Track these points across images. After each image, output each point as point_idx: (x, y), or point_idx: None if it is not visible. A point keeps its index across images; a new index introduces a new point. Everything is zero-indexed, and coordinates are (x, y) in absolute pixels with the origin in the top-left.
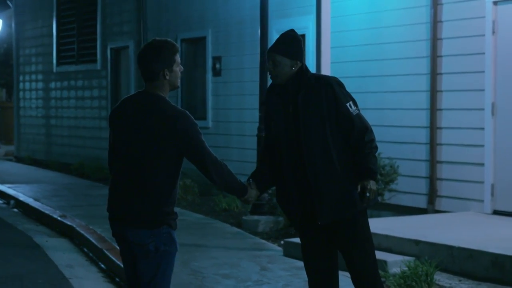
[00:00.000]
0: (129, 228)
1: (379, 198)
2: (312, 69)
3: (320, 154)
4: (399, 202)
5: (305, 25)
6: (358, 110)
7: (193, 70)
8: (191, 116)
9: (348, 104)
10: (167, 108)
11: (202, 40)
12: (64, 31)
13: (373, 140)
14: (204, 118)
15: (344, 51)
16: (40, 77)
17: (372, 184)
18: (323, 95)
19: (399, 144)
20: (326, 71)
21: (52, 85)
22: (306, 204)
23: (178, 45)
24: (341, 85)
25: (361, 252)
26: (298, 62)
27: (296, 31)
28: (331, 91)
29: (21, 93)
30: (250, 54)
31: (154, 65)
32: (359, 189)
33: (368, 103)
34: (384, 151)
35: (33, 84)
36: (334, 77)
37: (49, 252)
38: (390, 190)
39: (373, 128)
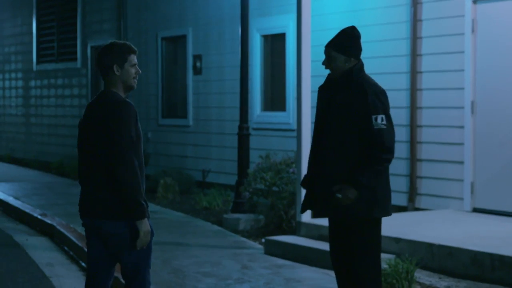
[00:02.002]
0: (103, 219)
1: None
2: (293, 67)
3: (334, 155)
4: None
5: (285, 24)
6: (386, 125)
7: (174, 68)
8: (131, 108)
9: (374, 117)
10: (110, 99)
11: (182, 39)
12: (44, 29)
13: (381, 158)
14: (184, 116)
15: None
16: (19, 75)
17: (350, 192)
18: (359, 101)
19: None
20: (306, 69)
21: (32, 83)
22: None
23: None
24: (377, 95)
25: (354, 256)
26: (352, 59)
27: (277, 29)
28: (364, 99)
29: (0, 92)
30: (231, 53)
31: (105, 60)
32: (335, 188)
33: None
34: None
35: (13, 82)
36: (376, 86)
37: (29, 251)
38: None
39: None
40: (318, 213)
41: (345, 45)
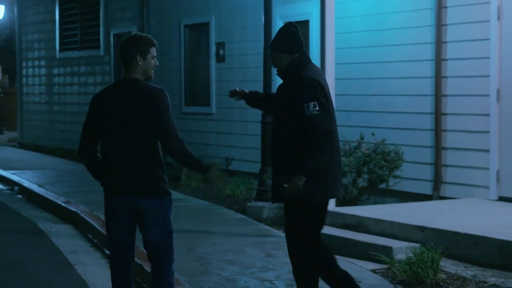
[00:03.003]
0: (141, 199)
1: (384, 185)
2: (317, 55)
3: (280, 142)
4: (403, 188)
5: (309, 11)
6: (318, 112)
7: (196, 56)
8: (167, 94)
9: (306, 105)
10: (144, 86)
11: (205, 26)
12: (67, 16)
13: (317, 141)
14: (207, 104)
15: (348, 37)
16: (43, 63)
17: (296, 179)
18: (291, 93)
19: (403, 130)
20: (330, 56)
21: (55, 71)
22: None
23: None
24: (308, 86)
25: (288, 235)
26: (296, 55)
27: (300, 17)
28: (296, 91)
29: (24, 79)
30: (254, 40)
31: (129, 50)
32: (282, 180)
33: (372, 89)
34: (389, 137)
35: (36, 70)
36: (308, 76)
37: (53, 238)
38: (395, 177)
39: (377, 114)
40: (274, 199)
41: (285, 44)
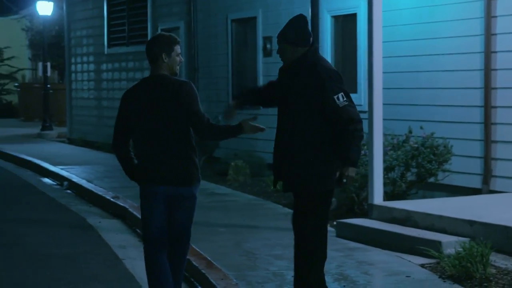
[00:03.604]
0: (179, 187)
1: (433, 179)
2: (364, 48)
3: (295, 133)
4: (452, 182)
5: (356, 4)
6: (347, 102)
7: (243, 50)
8: (193, 85)
9: (335, 97)
10: (172, 81)
11: (252, 20)
12: (115, 12)
13: (356, 130)
14: None
15: (396, 30)
16: (91, 58)
17: (350, 171)
18: (312, 84)
19: (452, 123)
20: (378, 50)
21: (103, 66)
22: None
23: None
24: (333, 78)
25: (299, 225)
26: (299, 48)
27: (347, 10)
28: (321, 83)
29: (72, 75)
30: None
31: (155, 49)
32: (337, 175)
33: (420, 82)
34: (437, 131)
35: (85, 66)
36: (329, 69)
37: (102, 233)
38: (444, 170)
39: (425, 107)
40: (286, 189)
41: (291, 36)
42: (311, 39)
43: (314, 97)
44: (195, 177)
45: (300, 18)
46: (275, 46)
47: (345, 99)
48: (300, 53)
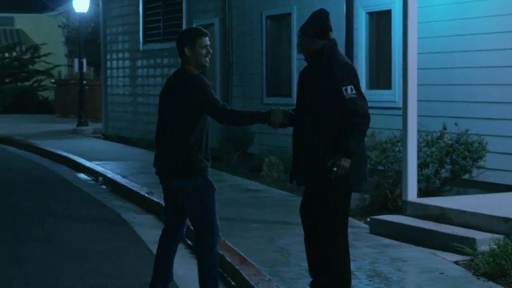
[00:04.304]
0: (172, 179)
1: (467, 175)
2: (399, 44)
3: (308, 125)
4: (487, 179)
5: (391, 1)
6: (355, 95)
7: (278, 47)
8: (204, 78)
9: (344, 88)
10: (186, 74)
11: (287, 17)
12: (150, 9)
13: (360, 123)
14: (289, 95)
15: (431, 26)
16: (126, 55)
17: (344, 161)
18: (326, 77)
19: (487, 120)
20: (412, 46)
21: (139, 63)
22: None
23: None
24: (344, 69)
25: (313, 223)
26: (318, 40)
27: (382, 6)
28: (332, 75)
29: (108, 72)
30: (336, 30)
31: (179, 43)
32: (329, 163)
33: (455, 79)
34: (472, 128)
35: (120, 62)
36: (342, 61)
37: (137, 229)
38: (478, 167)
39: (459, 104)
40: (300, 183)
41: (310, 29)
42: (331, 33)
43: (326, 88)
44: (187, 171)
45: (321, 11)
46: None
47: (353, 92)
48: (319, 46)
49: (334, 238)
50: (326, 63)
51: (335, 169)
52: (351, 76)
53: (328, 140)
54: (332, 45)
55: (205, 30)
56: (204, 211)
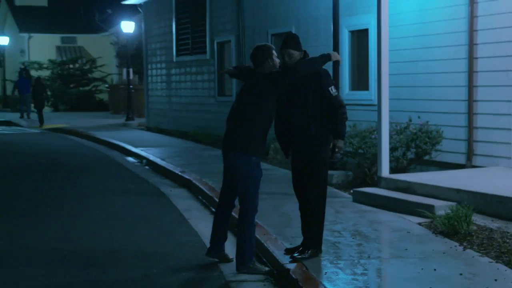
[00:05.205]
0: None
1: (428, 157)
2: (374, 56)
3: (301, 118)
4: (443, 159)
5: (368, 21)
6: (337, 92)
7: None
8: (270, 75)
9: (330, 88)
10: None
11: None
12: (181, 29)
13: (344, 113)
14: None
15: (399, 41)
16: (163, 65)
17: (339, 143)
18: (313, 79)
19: (443, 114)
20: (385, 56)
21: (173, 71)
22: (293, 145)
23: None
24: (327, 74)
25: (313, 183)
26: (301, 52)
27: (361, 26)
28: (319, 78)
29: (149, 78)
30: (325, 45)
31: (260, 56)
32: (331, 145)
33: (418, 82)
34: (431, 120)
35: (158, 71)
36: (324, 70)
37: (173, 199)
38: (436, 150)
39: (422, 101)
40: (297, 157)
41: (297, 44)
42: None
43: (315, 89)
44: (244, 147)
45: (293, 33)
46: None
47: (334, 90)
48: (299, 56)
49: (321, 193)
50: (315, 72)
51: (336, 150)
52: (331, 79)
53: (316, 126)
54: (306, 56)
55: (273, 46)
56: (247, 189)
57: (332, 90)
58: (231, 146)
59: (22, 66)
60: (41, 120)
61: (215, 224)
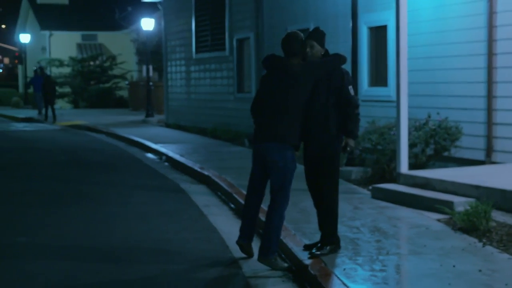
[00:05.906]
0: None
1: (447, 153)
2: (393, 52)
3: (320, 113)
4: (462, 155)
5: (387, 18)
6: (353, 92)
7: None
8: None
9: (349, 87)
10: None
11: (306, 31)
12: (200, 26)
13: (359, 114)
14: None
15: (417, 37)
16: (182, 62)
17: (350, 142)
18: (334, 77)
19: (462, 110)
20: (403, 52)
21: (192, 68)
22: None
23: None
24: (348, 73)
25: (326, 177)
26: (323, 49)
27: (380, 22)
28: (341, 76)
29: (169, 75)
30: (344, 42)
31: (292, 46)
32: (343, 144)
33: (437, 78)
34: (450, 116)
35: (178, 68)
36: (345, 69)
37: (191, 195)
38: (455, 147)
39: (440, 98)
40: (311, 152)
41: (322, 40)
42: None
43: (335, 87)
44: (283, 137)
45: (322, 31)
46: None
47: (352, 90)
48: (320, 52)
49: (334, 187)
50: (338, 71)
51: (348, 149)
52: (350, 79)
53: (333, 123)
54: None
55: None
56: (281, 182)
57: (351, 90)
58: (269, 137)
59: (38, 65)
60: (54, 117)
61: (245, 214)
